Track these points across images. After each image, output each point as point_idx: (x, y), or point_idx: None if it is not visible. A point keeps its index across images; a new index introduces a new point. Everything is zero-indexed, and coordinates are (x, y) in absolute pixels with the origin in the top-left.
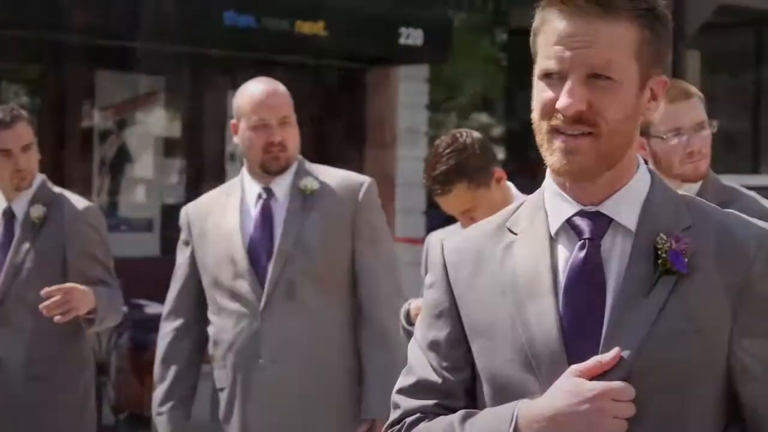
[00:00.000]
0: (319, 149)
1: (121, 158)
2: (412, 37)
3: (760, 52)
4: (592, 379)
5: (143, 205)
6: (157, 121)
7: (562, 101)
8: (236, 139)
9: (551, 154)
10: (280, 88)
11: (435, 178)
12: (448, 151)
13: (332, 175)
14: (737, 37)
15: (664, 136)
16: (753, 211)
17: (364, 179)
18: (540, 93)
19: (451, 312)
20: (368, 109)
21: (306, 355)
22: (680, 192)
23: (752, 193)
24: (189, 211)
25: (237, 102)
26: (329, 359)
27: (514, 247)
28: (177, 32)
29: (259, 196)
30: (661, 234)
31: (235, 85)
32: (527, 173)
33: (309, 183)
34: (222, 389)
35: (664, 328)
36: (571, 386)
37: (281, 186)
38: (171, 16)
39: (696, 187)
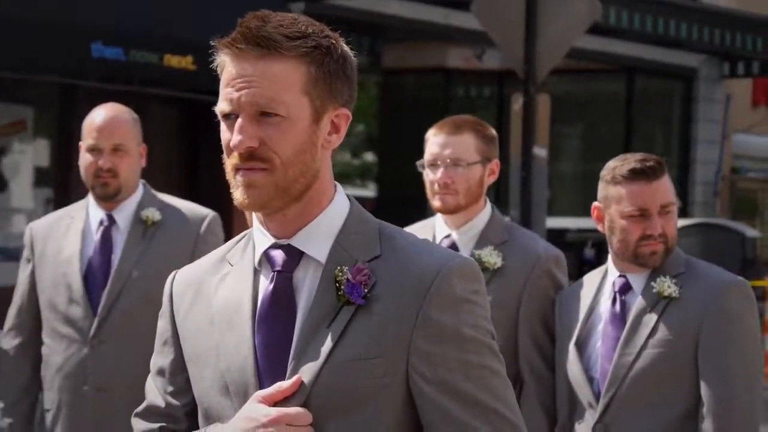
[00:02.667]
0: (189, 182)
1: None
2: None
3: (631, 97)
4: (274, 405)
5: (15, 234)
6: (25, 150)
7: (234, 139)
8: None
9: (235, 189)
10: (123, 116)
11: None
12: None
13: (176, 207)
14: (612, 82)
15: (422, 168)
16: (527, 250)
17: (208, 213)
18: (222, 134)
19: (174, 340)
20: None
21: (133, 384)
22: (462, 230)
23: (531, 233)
24: (33, 230)
25: (83, 124)
26: None
27: (227, 278)
28: (45, 62)
29: (101, 223)
30: (341, 266)
31: None
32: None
33: (151, 214)
34: (48, 411)
35: (341, 357)
36: (250, 412)
37: (123, 214)
38: (39, 46)
39: (480, 225)
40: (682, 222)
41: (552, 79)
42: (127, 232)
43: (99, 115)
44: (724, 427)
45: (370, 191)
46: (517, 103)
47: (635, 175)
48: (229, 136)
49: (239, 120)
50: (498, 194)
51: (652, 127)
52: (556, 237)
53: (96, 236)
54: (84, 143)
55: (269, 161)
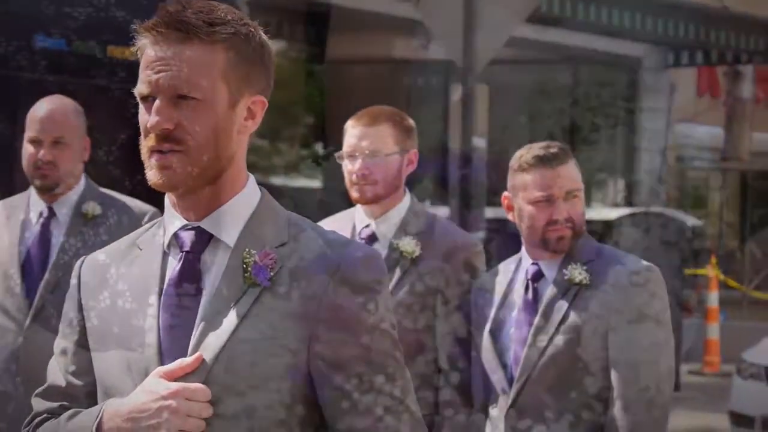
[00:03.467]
0: (132, 173)
1: None
2: None
3: (576, 86)
4: (175, 380)
5: None
6: None
7: (151, 121)
8: None
9: (150, 170)
10: (65, 108)
11: None
12: None
13: (118, 201)
14: (557, 72)
15: (340, 159)
16: (445, 239)
17: (149, 209)
18: (140, 116)
19: (79, 322)
20: None
21: None
22: (381, 219)
23: (450, 223)
24: None
25: (27, 116)
26: None
27: (135, 262)
28: None
29: (41, 215)
30: (249, 249)
31: None
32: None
33: (91, 208)
34: None
35: (244, 336)
36: (150, 385)
37: (63, 207)
38: None
39: (400, 215)
40: (622, 211)
41: (496, 69)
42: (66, 224)
43: (42, 107)
44: (633, 411)
45: (316, 181)
46: (456, 94)
47: (539, 161)
48: (145, 117)
49: (157, 102)
50: (444, 184)
51: (597, 116)
52: (500, 227)
53: (35, 228)
54: (26, 134)
55: (184, 143)
